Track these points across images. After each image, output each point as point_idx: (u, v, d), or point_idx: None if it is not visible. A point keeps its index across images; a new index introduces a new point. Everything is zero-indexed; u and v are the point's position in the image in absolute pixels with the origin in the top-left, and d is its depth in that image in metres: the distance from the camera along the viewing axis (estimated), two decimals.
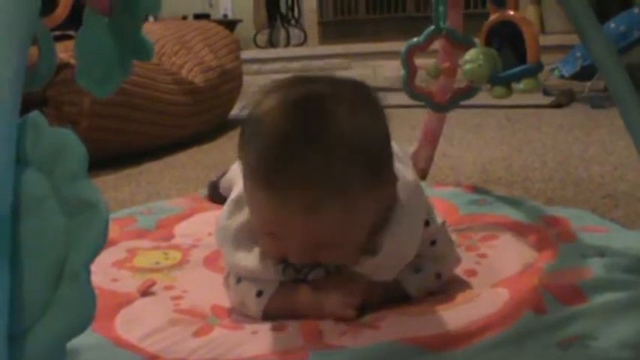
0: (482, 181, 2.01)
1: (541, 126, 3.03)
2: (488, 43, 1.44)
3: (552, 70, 3.97)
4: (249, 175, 0.96)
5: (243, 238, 1.05)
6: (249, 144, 0.95)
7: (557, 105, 3.71)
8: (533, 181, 1.98)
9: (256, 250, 1.03)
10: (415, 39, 1.58)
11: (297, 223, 0.92)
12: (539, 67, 1.33)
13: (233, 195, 1.10)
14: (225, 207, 1.10)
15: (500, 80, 1.38)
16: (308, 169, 0.90)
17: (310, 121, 0.92)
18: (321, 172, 0.90)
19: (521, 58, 1.35)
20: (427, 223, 1.07)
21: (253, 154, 0.94)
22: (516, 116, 3.32)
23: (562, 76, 3.90)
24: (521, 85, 1.34)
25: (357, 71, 4.39)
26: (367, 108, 0.98)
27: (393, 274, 1.04)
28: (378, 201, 0.97)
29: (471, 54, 1.41)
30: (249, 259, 1.04)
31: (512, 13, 1.40)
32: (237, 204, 1.07)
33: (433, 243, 1.09)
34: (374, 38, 5.28)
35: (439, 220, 1.11)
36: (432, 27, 1.56)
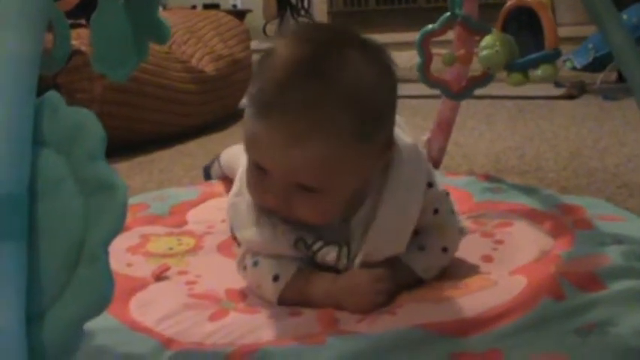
0: (495, 170, 2.00)
1: (553, 117, 3.01)
2: (504, 29, 1.43)
3: (564, 61, 3.95)
4: (249, 104, 0.96)
5: (256, 212, 1.04)
6: (255, 77, 0.97)
7: (568, 96, 3.69)
8: (547, 171, 1.97)
9: (270, 227, 1.03)
10: (430, 26, 1.57)
11: (282, 153, 0.91)
12: (557, 53, 1.32)
13: (240, 172, 1.09)
14: (235, 183, 1.10)
15: (518, 67, 1.37)
16: (304, 100, 0.91)
17: (317, 60, 0.93)
18: (315, 107, 0.91)
19: (539, 45, 1.34)
20: (430, 185, 1.07)
21: (256, 84, 0.95)
22: (528, 107, 3.30)
23: (574, 68, 3.88)
24: (539, 72, 1.33)
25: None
26: (379, 69, 0.98)
27: (400, 245, 1.03)
28: (366, 159, 0.97)
29: (487, 40, 1.40)
30: (262, 232, 1.03)
31: None
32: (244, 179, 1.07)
33: (436, 211, 1.08)
34: (384, 29, 5.25)
35: (442, 187, 1.11)
36: (448, 13, 1.55)
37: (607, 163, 2.03)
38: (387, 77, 1.00)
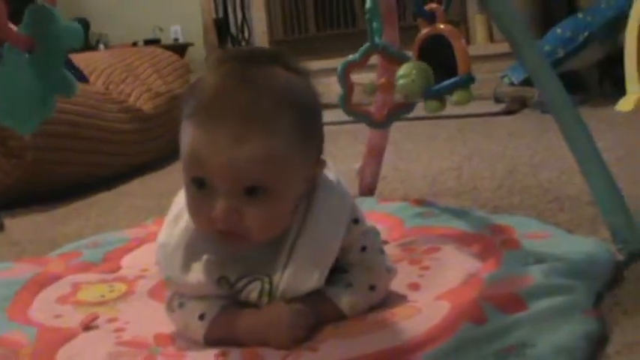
0: (431, 192, 2.02)
1: (492, 134, 3.05)
2: (420, 57, 1.45)
3: (502, 77, 4.01)
4: (186, 119, 0.99)
5: (181, 253, 1.05)
6: (188, 98, 1.01)
7: (508, 112, 3.74)
8: (482, 191, 1.99)
9: (195, 267, 1.03)
10: (351, 56, 1.58)
11: (225, 156, 0.93)
12: (470, 78, 1.34)
13: (170, 215, 1.10)
14: (164, 227, 1.10)
15: (433, 94, 1.38)
16: (239, 104, 0.95)
17: (247, 71, 0.98)
18: (252, 107, 0.95)
19: (454, 70, 1.36)
20: (356, 221, 1.09)
21: (192, 100, 0.99)
22: (468, 125, 3.34)
23: (512, 83, 3.94)
24: (454, 98, 1.35)
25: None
26: (303, 79, 1.04)
27: (317, 280, 1.03)
28: (305, 159, 1.01)
29: (403, 69, 1.41)
30: (187, 273, 1.04)
31: (442, 26, 1.40)
32: (175, 220, 1.08)
33: (364, 249, 1.10)
34: (326, 55, 5.28)
35: (369, 224, 1.12)
36: (368, 43, 1.56)
37: (541, 178, 2.06)
38: (310, 83, 1.05)
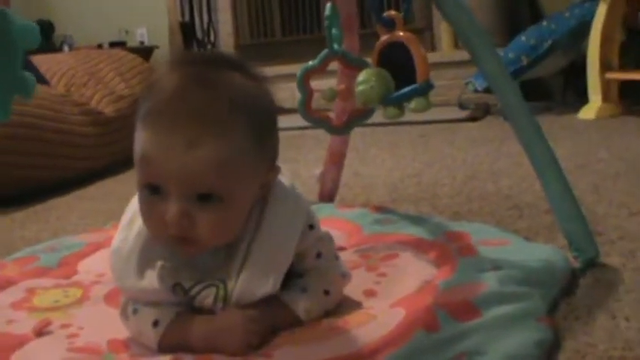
0: (391, 199, 2.02)
1: (455, 140, 3.07)
2: (380, 64, 1.45)
3: (466, 84, 4.03)
4: (139, 123, 0.98)
5: (135, 259, 1.04)
6: (144, 100, 1.00)
7: (472, 119, 3.77)
8: (441, 197, 2.00)
9: (149, 273, 1.02)
10: (310, 62, 1.58)
11: (177, 161, 0.93)
12: (428, 86, 1.34)
13: (124, 219, 1.09)
14: (118, 232, 1.09)
15: (392, 101, 1.39)
16: (193, 108, 0.94)
17: (201, 75, 0.98)
18: (206, 111, 0.94)
19: (413, 78, 1.36)
20: (312, 227, 1.09)
21: (146, 104, 0.98)
22: (431, 132, 3.35)
23: (476, 90, 3.96)
24: (412, 105, 1.35)
25: (275, 94, 4.32)
26: (259, 82, 1.04)
27: (272, 285, 1.03)
28: (259, 164, 1.01)
29: (363, 75, 1.41)
30: (141, 279, 1.03)
31: (401, 33, 1.41)
32: (129, 224, 1.07)
33: (319, 255, 1.10)
34: (292, 60, 5.28)
35: (323, 230, 1.13)
36: (327, 50, 1.56)
37: (501, 185, 2.08)
38: (267, 90, 1.05)
